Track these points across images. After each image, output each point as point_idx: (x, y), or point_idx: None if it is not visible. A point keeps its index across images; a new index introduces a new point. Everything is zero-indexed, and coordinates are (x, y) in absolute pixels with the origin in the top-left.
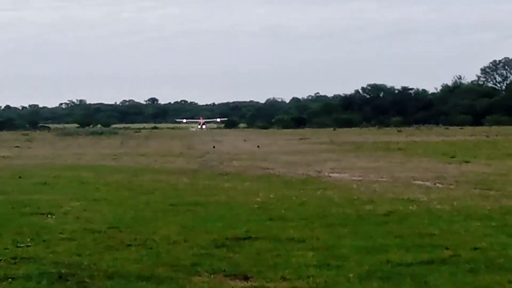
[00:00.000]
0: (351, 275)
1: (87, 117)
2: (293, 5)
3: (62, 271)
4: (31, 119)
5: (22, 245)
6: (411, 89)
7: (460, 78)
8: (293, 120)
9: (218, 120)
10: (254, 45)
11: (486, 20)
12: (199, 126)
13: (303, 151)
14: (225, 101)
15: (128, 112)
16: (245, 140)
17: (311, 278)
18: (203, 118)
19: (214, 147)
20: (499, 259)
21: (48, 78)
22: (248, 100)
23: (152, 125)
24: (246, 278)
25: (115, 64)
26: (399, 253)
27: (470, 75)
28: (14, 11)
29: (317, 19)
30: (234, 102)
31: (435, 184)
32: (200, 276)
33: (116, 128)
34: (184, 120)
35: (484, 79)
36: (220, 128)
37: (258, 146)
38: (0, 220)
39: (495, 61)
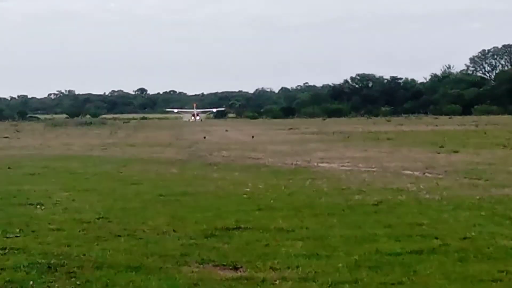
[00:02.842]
0: (340, 264)
1: (76, 107)
2: None
3: (51, 262)
4: (20, 110)
5: (11, 235)
6: (400, 78)
7: (449, 67)
8: (282, 110)
9: (214, 110)
10: (242, 35)
11: (475, 9)
12: (193, 117)
13: (292, 141)
14: (214, 91)
15: (117, 103)
16: (227, 131)
17: (300, 268)
18: (196, 108)
19: (204, 137)
20: (488, 249)
21: (37, 68)
22: (237, 90)
23: (141, 115)
24: (235, 268)
25: (104, 54)
26: (388, 242)
27: (459, 64)
28: None
29: (306, 9)
30: (223, 92)
31: (424, 174)
32: (189, 266)
33: (105, 118)
34: (176, 110)
35: (473, 68)
36: (209, 118)
37: (252, 137)
38: None
39: (484, 50)
